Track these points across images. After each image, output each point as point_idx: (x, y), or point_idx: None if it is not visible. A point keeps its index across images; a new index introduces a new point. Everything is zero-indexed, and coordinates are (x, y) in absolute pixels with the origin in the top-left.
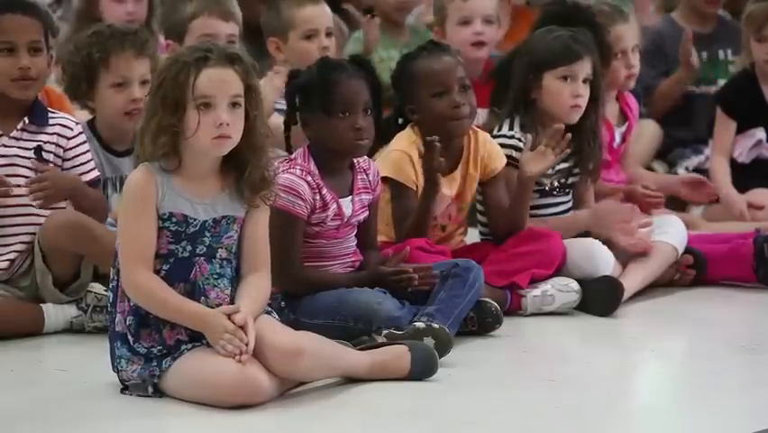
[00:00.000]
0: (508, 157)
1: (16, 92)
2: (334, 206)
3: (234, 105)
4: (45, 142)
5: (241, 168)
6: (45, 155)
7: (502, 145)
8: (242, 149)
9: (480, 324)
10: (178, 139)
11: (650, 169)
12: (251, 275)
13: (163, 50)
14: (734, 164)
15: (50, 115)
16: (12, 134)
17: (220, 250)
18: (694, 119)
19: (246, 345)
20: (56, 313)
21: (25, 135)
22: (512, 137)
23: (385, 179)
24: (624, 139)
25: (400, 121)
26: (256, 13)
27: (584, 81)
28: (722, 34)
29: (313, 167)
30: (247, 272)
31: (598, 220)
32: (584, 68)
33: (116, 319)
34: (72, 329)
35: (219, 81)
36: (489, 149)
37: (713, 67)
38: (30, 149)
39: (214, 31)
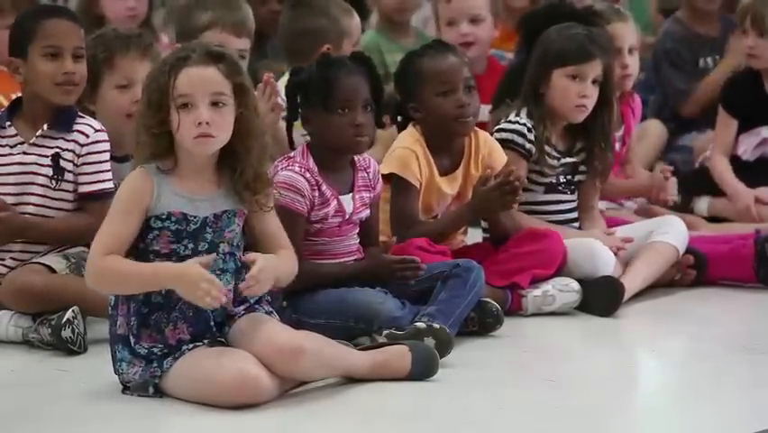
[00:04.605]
0: (509, 141)
1: (59, 97)
2: (335, 202)
3: (217, 103)
4: (63, 149)
5: (235, 166)
6: (63, 163)
7: (504, 130)
8: (235, 147)
9: (480, 324)
10: (168, 139)
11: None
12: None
13: (165, 48)
14: (738, 162)
15: (77, 120)
16: (31, 141)
17: (222, 244)
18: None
19: (226, 294)
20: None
21: (45, 142)
22: (516, 123)
23: (388, 177)
24: (623, 141)
25: (400, 119)
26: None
27: (594, 82)
28: (728, 35)
29: (312, 164)
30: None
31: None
32: (594, 69)
33: (117, 322)
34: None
35: (198, 80)
36: (490, 148)
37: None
38: (47, 156)
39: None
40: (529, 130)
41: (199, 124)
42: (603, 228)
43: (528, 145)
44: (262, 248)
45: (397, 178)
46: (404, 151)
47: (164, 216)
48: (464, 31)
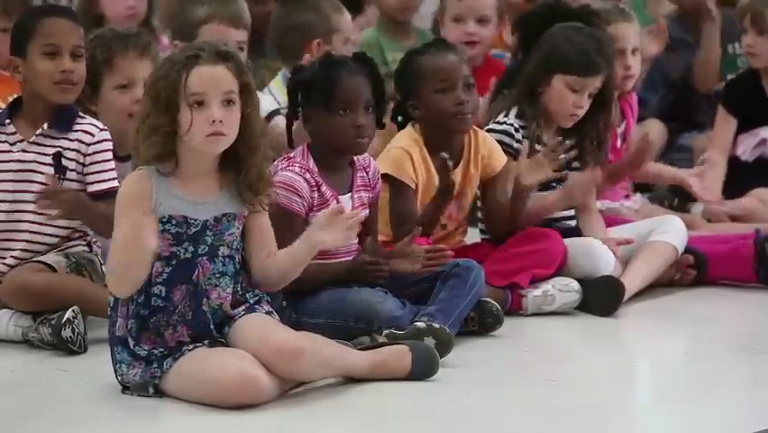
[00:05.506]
0: (498, 142)
1: (57, 95)
2: (334, 202)
3: (228, 102)
4: (66, 149)
5: (238, 167)
6: (65, 162)
7: (492, 131)
8: (239, 147)
9: (480, 324)
10: (173, 139)
11: None
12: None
13: (164, 48)
14: (737, 162)
15: (77, 120)
16: (31, 140)
17: (222, 247)
18: (703, 118)
19: None
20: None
21: (45, 141)
22: (503, 123)
23: (384, 177)
24: (624, 138)
25: (400, 119)
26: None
27: (589, 95)
28: (728, 29)
29: (312, 165)
30: (268, 254)
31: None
32: (595, 83)
33: (117, 323)
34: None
35: (210, 78)
36: (490, 148)
37: (725, 63)
38: (48, 155)
39: (224, 38)
40: (516, 130)
41: (213, 122)
42: (603, 229)
43: (516, 145)
44: (255, 245)
45: (392, 179)
46: (398, 151)
47: (165, 219)
48: (470, 30)
